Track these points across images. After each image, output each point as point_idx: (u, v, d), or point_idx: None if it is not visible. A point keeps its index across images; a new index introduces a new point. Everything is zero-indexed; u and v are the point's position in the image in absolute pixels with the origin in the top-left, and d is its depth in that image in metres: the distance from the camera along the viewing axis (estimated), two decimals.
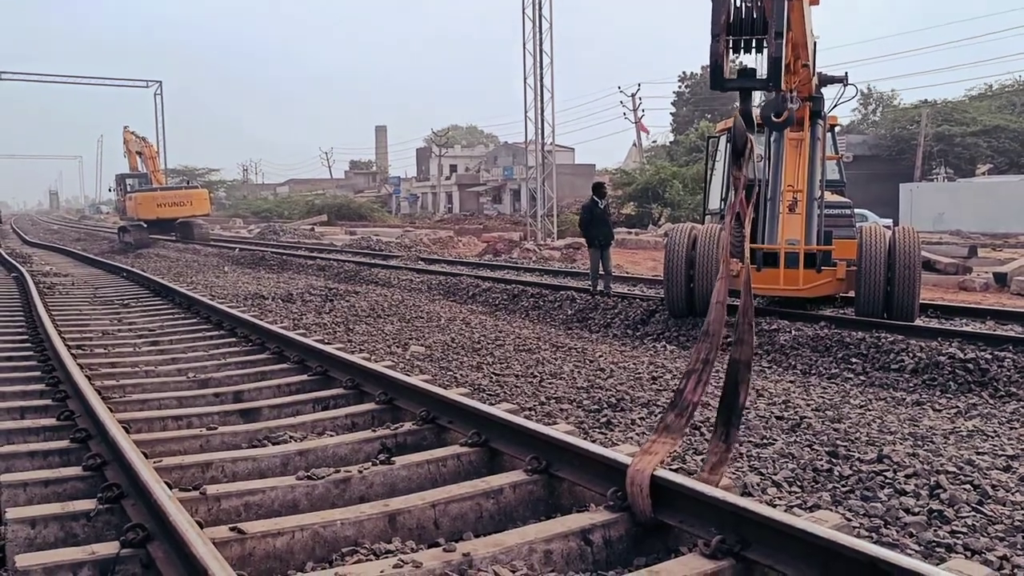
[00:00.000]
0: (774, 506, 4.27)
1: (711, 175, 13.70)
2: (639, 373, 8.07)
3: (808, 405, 6.79)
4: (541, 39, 34.34)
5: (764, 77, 4.33)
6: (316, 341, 8.11)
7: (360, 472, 4.36)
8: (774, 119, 9.24)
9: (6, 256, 23.39)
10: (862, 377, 8.17)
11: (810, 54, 9.57)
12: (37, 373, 7.31)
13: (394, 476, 4.42)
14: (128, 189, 37.47)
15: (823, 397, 7.19)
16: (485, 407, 5.13)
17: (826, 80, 11.11)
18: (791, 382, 7.98)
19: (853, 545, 2.92)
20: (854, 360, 8.61)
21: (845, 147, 19.52)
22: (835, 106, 11.39)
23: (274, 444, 5.15)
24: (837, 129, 13.07)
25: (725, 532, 3.29)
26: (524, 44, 34.69)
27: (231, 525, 3.52)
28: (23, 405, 6.09)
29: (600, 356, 9.05)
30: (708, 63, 4.35)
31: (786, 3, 4.43)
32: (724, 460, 4.05)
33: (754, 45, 4.49)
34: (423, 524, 3.84)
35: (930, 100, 52.43)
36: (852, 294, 10.87)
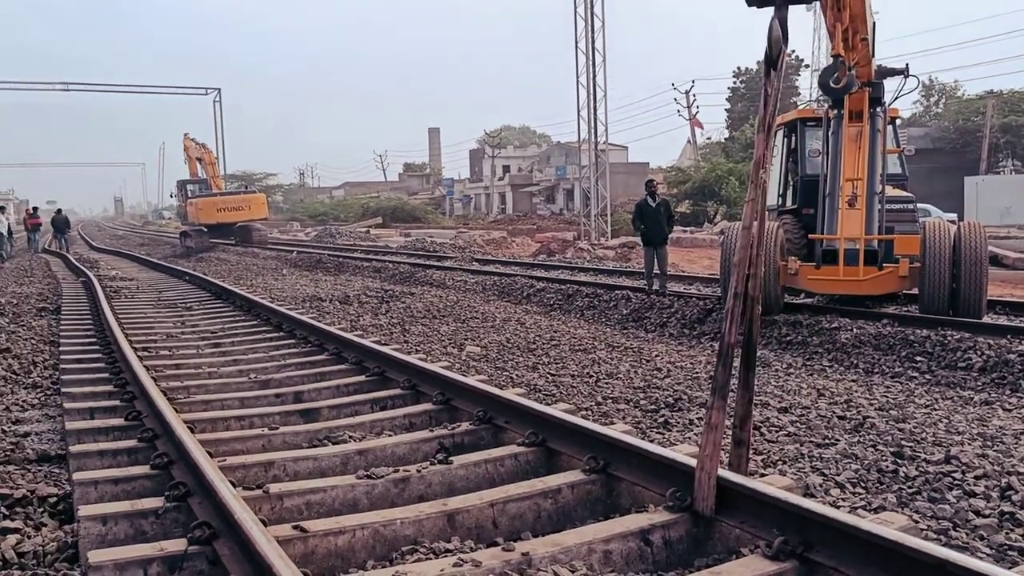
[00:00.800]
0: (838, 507, 4.19)
1: (768, 171, 13.49)
2: (696, 372, 7.99)
3: (871, 404, 6.64)
4: (593, 38, 34.22)
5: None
6: (373, 342, 8.22)
7: (419, 471, 4.40)
8: (832, 85, 9.03)
9: (74, 262, 24.13)
10: (927, 376, 7.96)
11: (869, 30, 9.33)
12: (106, 375, 7.54)
13: (452, 475, 4.45)
14: (189, 195, 38.20)
15: (887, 396, 7.03)
16: (542, 407, 5.16)
17: (886, 72, 10.86)
18: (853, 381, 7.82)
19: (921, 547, 2.86)
20: (919, 358, 8.40)
21: (907, 140, 19.02)
22: (896, 98, 11.13)
23: (334, 444, 5.22)
24: (898, 122, 12.77)
25: (788, 533, 3.25)
26: (576, 43, 34.59)
27: (294, 523, 3.58)
28: (93, 406, 6.29)
29: (656, 356, 8.98)
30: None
31: None
32: (748, 414, 3.91)
33: None
34: (481, 523, 3.84)
35: (995, 90, 50.83)
36: (916, 291, 10.58)
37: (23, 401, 7.20)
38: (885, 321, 9.73)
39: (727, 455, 4.09)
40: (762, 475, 4.52)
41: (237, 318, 11.60)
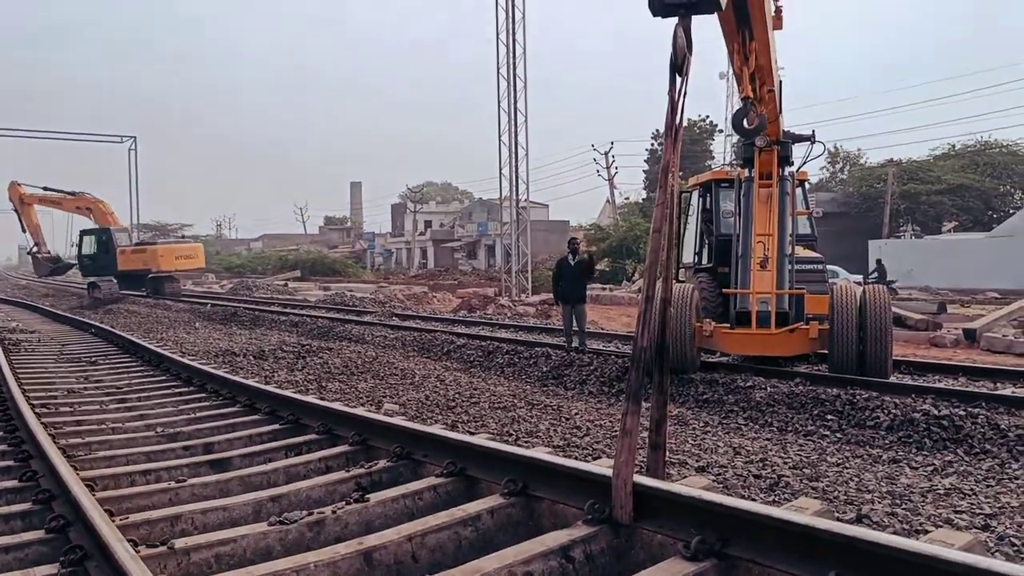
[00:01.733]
0: None
1: (684, 230, 13.82)
2: (615, 431, 7.99)
3: (786, 463, 6.74)
4: (515, 97, 34.83)
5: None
6: (287, 391, 8.02)
7: (334, 512, 4.26)
8: (745, 127, 9.34)
9: None
10: (838, 434, 8.15)
11: (776, 83, 9.72)
12: (0, 433, 7.11)
13: (370, 514, 4.34)
14: (116, 244, 36.25)
15: (800, 455, 7.15)
16: (460, 436, 5.17)
17: (794, 137, 11.30)
18: (768, 439, 7.94)
19: (832, 528, 2.99)
20: (830, 417, 8.60)
21: (815, 203, 19.85)
22: (804, 163, 11.58)
23: (244, 493, 5.02)
24: (807, 185, 13.27)
25: (704, 532, 3.27)
26: (499, 102, 35.16)
27: None
28: None
29: (576, 414, 8.97)
30: None
31: None
32: (664, 418, 4.05)
33: None
34: (400, 559, 3.76)
35: (896, 159, 53.62)
36: (826, 351, 10.89)
37: None
38: (798, 380, 9.96)
39: (643, 462, 4.10)
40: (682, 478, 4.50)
41: (145, 373, 11.15)
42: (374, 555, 3.69)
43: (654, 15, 4.22)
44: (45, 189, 38.30)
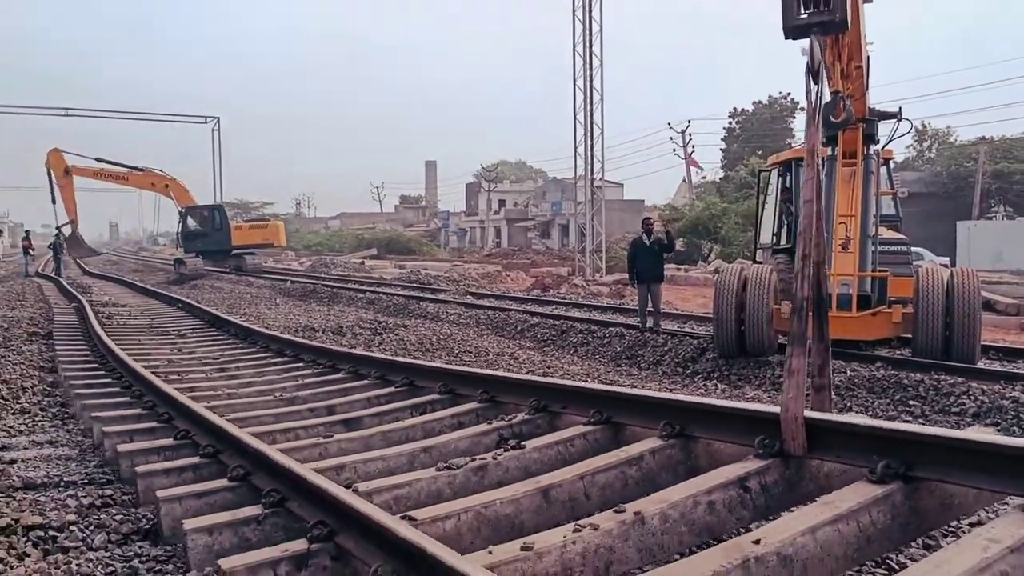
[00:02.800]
0: None
1: (762, 210, 13.57)
2: None
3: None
4: (591, 75, 34.57)
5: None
6: (402, 355, 8.23)
7: (495, 459, 4.57)
8: (832, 119, 9.16)
9: (67, 286, 24.04)
10: (921, 420, 7.94)
11: (864, 59, 9.44)
12: (126, 399, 7.50)
13: (527, 459, 4.63)
14: (199, 222, 37.41)
15: None
16: (604, 387, 5.55)
17: (880, 115, 10.97)
18: None
19: (1011, 443, 3.30)
20: (912, 402, 8.39)
21: (900, 183, 19.20)
22: (890, 141, 11.23)
23: (394, 445, 5.34)
24: (892, 164, 12.89)
25: (888, 457, 3.51)
26: (575, 81, 34.94)
27: (401, 514, 3.63)
28: (130, 428, 6.22)
29: None
30: (780, 15, 4.72)
31: None
32: (826, 361, 4.58)
33: None
34: (574, 496, 4.03)
35: (987, 137, 51.40)
36: (909, 335, 10.60)
37: (10, 427, 7.13)
38: (879, 364, 9.73)
39: (808, 401, 4.35)
40: None
41: (235, 345, 11.56)
42: (551, 492, 3.97)
43: (787, 38, 4.74)
44: (99, 160, 37.13)
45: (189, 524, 3.95)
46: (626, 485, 4.18)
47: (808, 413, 3.92)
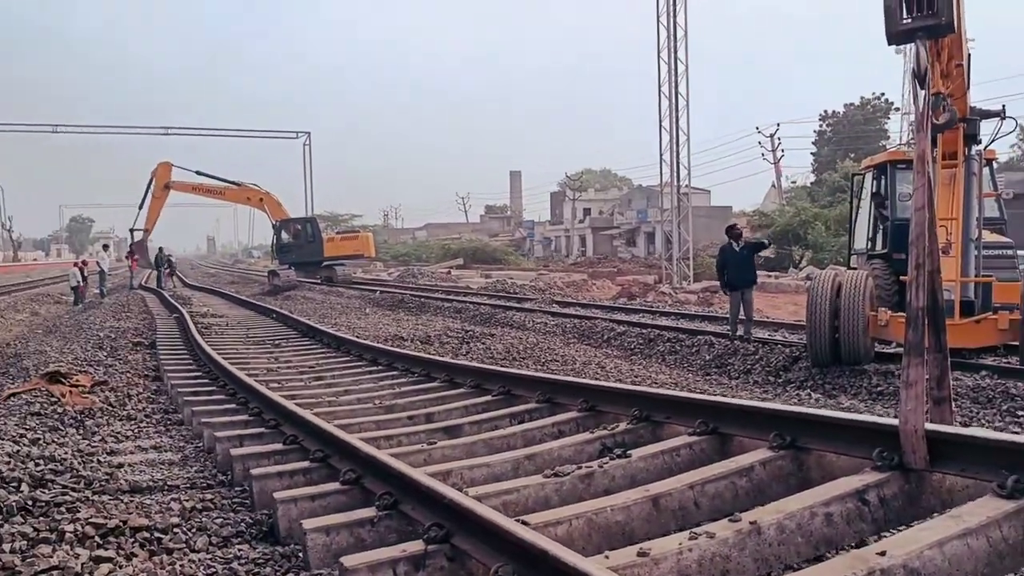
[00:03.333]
0: None
1: (856, 215, 13.19)
2: None
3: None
4: (676, 81, 34.23)
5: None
6: (490, 363, 8.30)
7: (601, 467, 4.63)
8: (934, 122, 8.83)
9: (169, 298, 25.05)
10: None
11: (965, 57, 9.08)
12: (232, 405, 7.82)
13: (633, 468, 4.67)
14: (292, 234, 38.46)
15: None
16: (710, 398, 5.55)
17: (983, 114, 10.53)
18: None
19: None
20: (1021, 413, 8.00)
21: (1004, 184, 18.42)
22: (993, 140, 10.78)
23: (496, 452, 5.44)
24: (995, 164, 12.35)
25: (1019, 471, 3.41)
26: (659, 87, 34.66)
27: (516, 518, 3.72)
28: (240, 434, 6.52)
29: None
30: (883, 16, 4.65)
31: None
32: (945, 372, 4.48)
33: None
34: (684, 505, 4.07)
35: None
36: (1017, 343, 10.11)
37: (118, 433, 7.46)
38: (984, 373, 9.32)
39: (927, 414, 4.25)
40: None
41: (328, 354, 11.86)
42: (660, 501, 4.02)
43: (890, 43, 4.73)
44: (199, 173, 38.05)
45: (309, 524, 4.12)
46: (736, 496, 4.18)
47: (929, 425, 3.87)
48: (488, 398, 7.24)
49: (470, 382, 7.83)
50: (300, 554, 4.22)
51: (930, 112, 4.70)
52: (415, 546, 3.71)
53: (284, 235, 37.95)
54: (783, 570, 3.40)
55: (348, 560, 3.59)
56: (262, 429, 6.59)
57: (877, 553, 3.02)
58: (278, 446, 5.96)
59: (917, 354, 4.08)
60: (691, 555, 3.25)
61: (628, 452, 4.83)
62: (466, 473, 4.83)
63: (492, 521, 3.49)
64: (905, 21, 4.51)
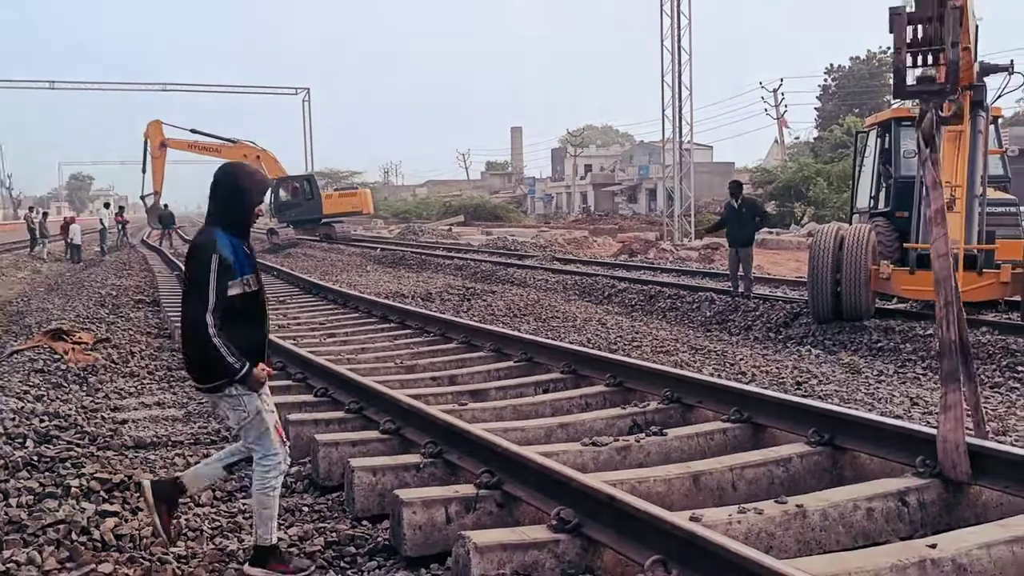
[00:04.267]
0: None
1: (859, 172, 13.10)
2: (782, 377, 7.81)
3: (969, 417, 6.36)
4: (679, 36, 33.79)
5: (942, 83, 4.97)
6: (509, 328, 8.59)
7: (637, 441, 4.82)
8: (940, 115, 8.72)
9: (170, 256, 25.05)
10: None
11: (971, 37, 8.95)
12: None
13: (668, 446, 4.84)
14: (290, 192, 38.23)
15: (986, 407, 6.71)
16: (747, 387, 5.72)
17: (989, 69, 10.39)
18: None
19: None
20: (1021, 368, 8.03)
21: (1009, 140, 18.24)
22: (999, 96, 10.66)
23: (525, 419, 5.60)
24: (1000, 121, 12.24)
25: None
26: (662, 41, 34.22)
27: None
28: (267, 385, 6.58)
29: (741, 359, 8.81)
30: (892, 71, 5.09)
31: (960, 15, 4.75)
32: (978, 400, 4.67)
33: (931, 56, 4.99)
34: (722, 485, 4.22)
35: None
36: (1019, 298, 10.11)
37: (121, 389, 7.52)
38: (984, 329, 9.34)
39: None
40: None
41: (336, 311, 11.91)
42: (701, 478, 4.19)
43: (895, 97, 5.33)
44: (194, 132, 37.13)
45: (356, 463, 4.31)
46: (772, 483, 4.31)
47: (970, 439, 4.05)
48: (510, 364, 7.37)
49: (489, 346, 7.90)
50: (324, 505, 4.38)
51: (935, 126, 4.81)
52: (467, 489, 3.94)
53: (282, 193, 37.61)
54: (823, 554, 3.50)
55: (404, 493, 3.80)
56: (288, 382, 6.71)
57: (927, 545, 3.21)
58: (308, 397, 6.13)
59: (953, 380, 4.27)
60: (739, 527, 3.45)
61: (664, 431, 4.97)
62: (500, 436, 4.89)
63: (554, 469, 3.70)
64: (911, 86, 4.95)
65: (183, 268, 3.75)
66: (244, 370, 3.57)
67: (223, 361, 3.53)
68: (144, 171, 37.36)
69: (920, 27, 5.03)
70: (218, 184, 3.73)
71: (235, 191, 3.73)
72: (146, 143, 37.26)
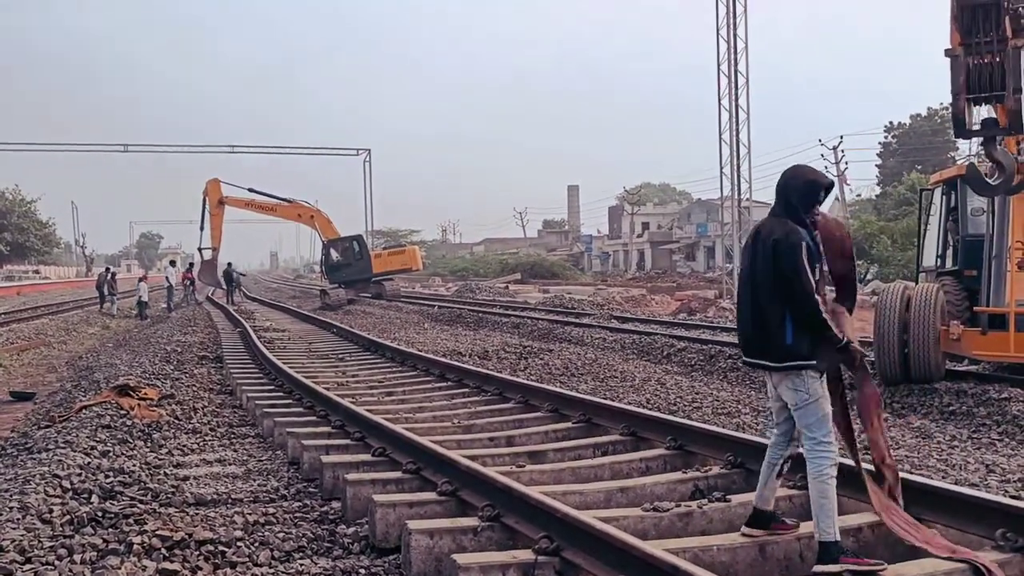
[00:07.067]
0: None
1: (925, 230, 12.83)
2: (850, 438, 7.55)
3: None
4: (737, 94, 33.87)
5: (1005, 127, 4.66)
6: (566, 388, 8.29)
7: (700, 507, 4.74)
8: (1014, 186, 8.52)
9: (233, 312, 25.57)
10: None
11: None
12: (313, 417, 8.02)
13: (732, 513, 4.72)
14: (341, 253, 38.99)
15: None
16: None
17: None
18: None
19: None
20: None
21: None
22: None
23: (584, 482, 5.54)
24: None
25: None
26: (719, 100, 34.31)
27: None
28: (327, 444, 6.72)
29: None
30: (950, 117, 4.88)
31: (1021, 59, 4.59)
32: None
33: (993, 99, 4.76)
34: (789, 556, 4.14)
35: None
36: None
37: (184, 445, 7.62)
38: None
39: None
40: None
41: (393, 369, 11.98)
42: (767, 548, 4.11)
43: (956, 136, 4.91)
44: (251, 191, 38.37)
45: (413, 525, 4.30)
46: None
47: None
48: (568, 425, 7.29)
49: (548, 406, 7.84)
50: (381, 568, 4.37)
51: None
52: (525, 554, 3.91)
53: (333, 254, 38.27)
54: None
55: (461, 558, 3.80)
56: (347, 441, 6.75)
57: None
58: (367, 457, 6.14)
59: None
60: None
61: (727, 496, 4.87)
62: (559, 499, 4.84)
63: (615, 536, 3.63)
64: (975, 127, 4.95)
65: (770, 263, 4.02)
66: (844, 341, 4.02)
67: (828, 332, 3.96)
68: (202, 228, 38.52)
69: (980, 67, 4.89)
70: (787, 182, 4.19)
71: (807, 184, 4.15)
72: (205, 201, 38.46)
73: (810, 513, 4.02)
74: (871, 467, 4.33)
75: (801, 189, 4.14)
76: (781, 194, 4.19)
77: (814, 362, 4.02)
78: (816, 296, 3.95)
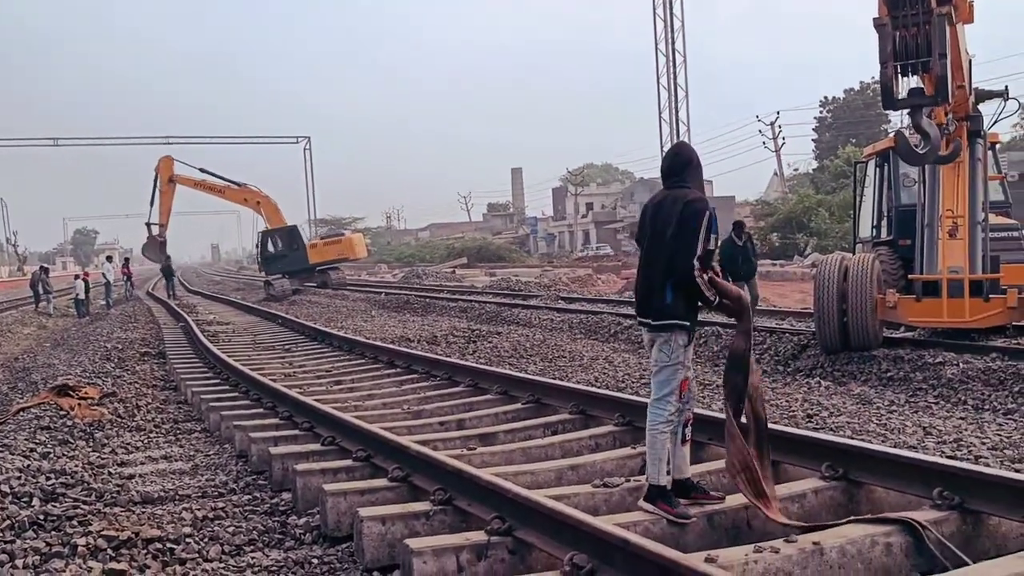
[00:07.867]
0: None
1: (860, 202, 13.13)
2: (793, 410, 7.74)
3: (983, 444, 6.29)
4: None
5: (932, 96, 4.78)
6: (515, 370, 8.42)
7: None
8: (941, 154, 8.73)
9: (175, 307, 25.08)
10: None
11: (966, 74, 9.02)
12: (260, 409, 7.90)
13: None
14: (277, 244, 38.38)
15: (1000, 435, 6.65)
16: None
17: (984, 96, 10.47)
18: (961, 419, 7.43)
19: None
20: None
21: (1007, 165, 18.30)
22: (995, 122, 10.75)
23: (535, 461, 5.54)
24: (998, 146, 12.28)
25: None
26: (658, 79, 34.61)
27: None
28: (275, 436, 6.63)
29: None
30: (879, 86, 5.00)
31: (946, 26, 4.67)
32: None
33: (919, 68, 4.86)
34: (737, 524, 4.21)
35: None
36: None
37: (128, 444, 7.47)
38: (994, 355, 9.27)
39: None
40: None
41: (340, 357, 11.87)
42: (714, 518, 4.19)
43: (884, 108, 5.33)
44: (202, 171, 37.78)
45: (365, 512, 4.28)
46: (788, 520, 4.20)
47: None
48: (518, 406, 7.30)
49: (497, 388, 7.84)
50: (334, 557, 4.34)
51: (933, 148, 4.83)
52: (478, 536, 3.93)
53: (269, 245, 37.68)
54: None
55: (414, 542, 3.80)
56: (295, 431, 6.69)
57: None
58: (316, 446, 6.09)
59: None
60: (756, 567, 3.43)
61: None
62: (510, 480, 4.85)
63: (566, 513, 3.68)
64: (902, 99, 4.95)
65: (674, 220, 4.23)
66: (715, 301, 4.26)
67: (701, 295, 4.20)
68: (152, 203, 37.67)
69: (907, 38, 4.95)
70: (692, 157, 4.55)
71: (699, 162, 4.54)
72: (156, 177, 37.64)
73: (733, 488, 4.22)
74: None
75: (699, 166, 4.54)
76: (687, 167, 4.50)
77: (687, 324, 4.30)
78: (696, 260, 4.17)
